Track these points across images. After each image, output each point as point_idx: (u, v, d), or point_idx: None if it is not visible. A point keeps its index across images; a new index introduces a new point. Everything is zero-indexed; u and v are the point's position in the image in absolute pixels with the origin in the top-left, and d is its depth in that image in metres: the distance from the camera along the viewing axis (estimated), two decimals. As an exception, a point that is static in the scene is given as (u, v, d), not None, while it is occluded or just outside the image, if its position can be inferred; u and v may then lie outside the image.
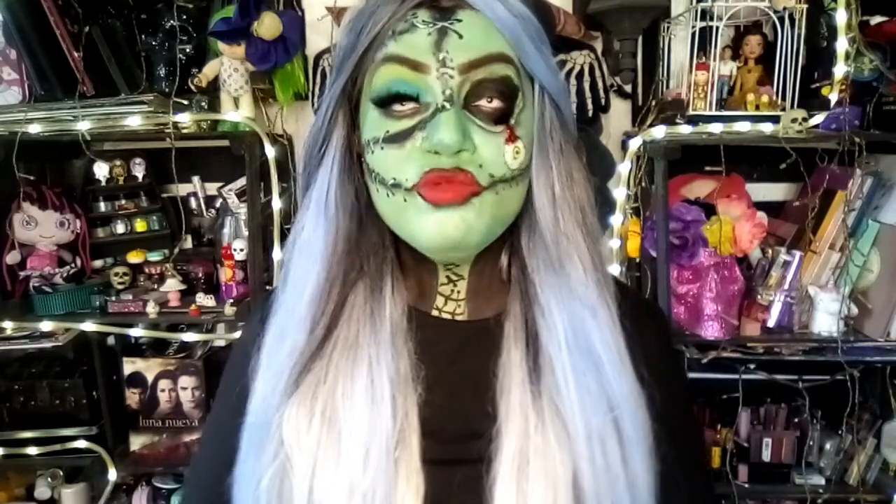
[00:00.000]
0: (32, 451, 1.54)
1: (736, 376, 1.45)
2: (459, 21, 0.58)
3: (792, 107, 1.42)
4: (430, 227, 0.58)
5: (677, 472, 0.63)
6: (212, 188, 1.67)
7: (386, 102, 0.59)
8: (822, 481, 1.53)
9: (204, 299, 1.51)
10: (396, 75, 0.58)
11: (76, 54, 1.42)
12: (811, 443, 1.54)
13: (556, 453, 0.58)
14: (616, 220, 1.47)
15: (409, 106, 0.58)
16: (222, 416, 0.71)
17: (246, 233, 1.54)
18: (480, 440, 0.59)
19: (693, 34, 1.44)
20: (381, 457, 0.57)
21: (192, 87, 1.46)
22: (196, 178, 1.67)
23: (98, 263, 1.63)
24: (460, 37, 0.57)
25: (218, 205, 1.66)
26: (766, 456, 1.54)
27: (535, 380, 0.60)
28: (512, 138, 0.58)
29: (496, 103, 0.58)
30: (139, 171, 1.62)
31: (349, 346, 0.62)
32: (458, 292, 0.67)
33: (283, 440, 0.60)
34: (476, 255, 0.64)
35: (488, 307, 0.67)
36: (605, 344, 0.60)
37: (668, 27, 1.51)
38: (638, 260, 1.49)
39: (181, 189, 1.63)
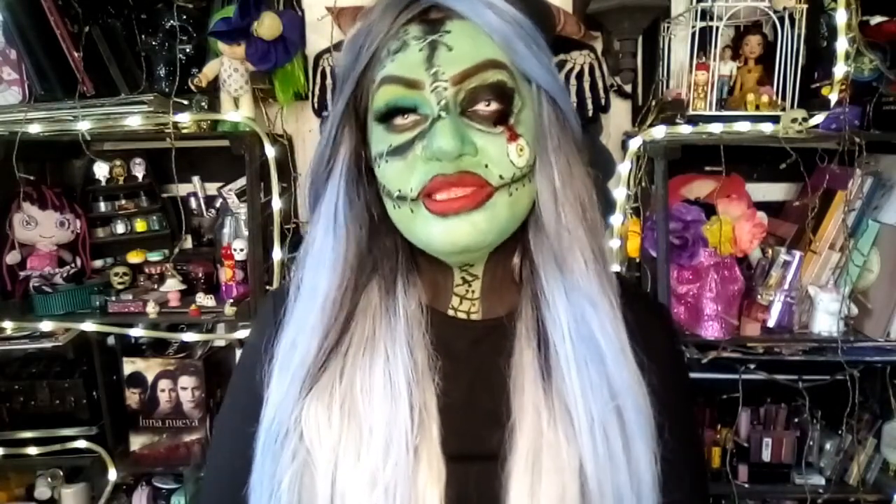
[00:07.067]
0: (32, 451, 1.54)
1: (736, 376, 1.46)
2: (449, 32, 0.59)
3: (792, 107, 1.42)
4: (439, 235, 0.59)
5: (675, 467, 0.64)
6: (212, 188, 1.67)
7: (387, 117, 0.61)
8: (822, 481, 1.53)
9: (204, 299, 1.51)
10: (393, 94, 0.60)
11: (76, 54, 1.42)
12: (811, 443, 1.54)
13: (565, 446, 0.60)
14: (616, 220, 1.47)
15: (410, 119, 0.60)
16: (235, 420, 0.71)
17: (246, 233, 1.54)
18: (495, 436, 0.61)
19: (693, 34, 1.44)
20: (401, 448, 0.59)
21: (192, 87, 1.46)
22: (196, 178, 1.67)
23: (98, 263, 1.63)
24: (450, 49, 0.59)
25: (218, 205, 1.66)
26: (766, 456, 1.54)
27: (546, 377, 0.62)
28: (514, 137, 0.60)
29: (494, 106, 0.59)
30: (139, 171, 1.62)
31: (365, 341, 0.63)
32: (473, 291, 0.68)
33: (304, 436, 0.61)
34: (489, 253, 0.66)
35: (501, 306, 0.69)
36: (606, 334, 0.61)
37: (668, 27, 1.51)
38: (638, 260, 1.49)
39: (181, 189, 1.63)
